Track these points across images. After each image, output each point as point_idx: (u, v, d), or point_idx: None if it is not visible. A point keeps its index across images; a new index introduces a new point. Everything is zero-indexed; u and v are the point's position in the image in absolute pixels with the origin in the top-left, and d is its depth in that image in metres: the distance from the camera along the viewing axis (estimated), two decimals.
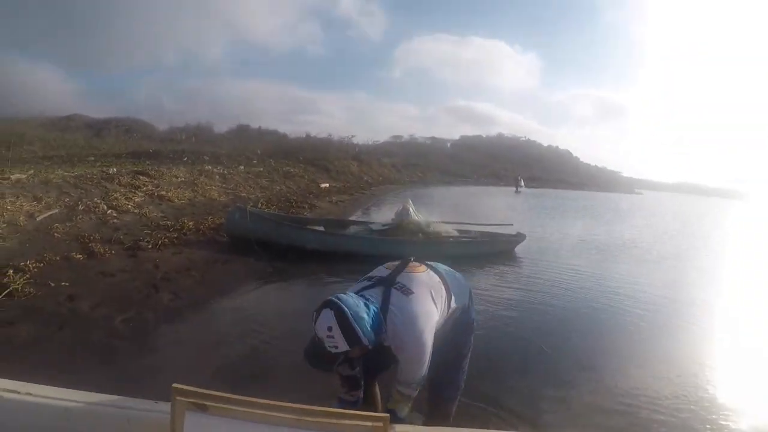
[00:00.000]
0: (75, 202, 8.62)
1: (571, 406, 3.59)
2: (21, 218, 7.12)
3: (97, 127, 47.01)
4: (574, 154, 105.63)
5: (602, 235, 14.97)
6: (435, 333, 2.31)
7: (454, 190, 35.84)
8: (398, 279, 2.34)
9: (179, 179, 13.61)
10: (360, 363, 2.44)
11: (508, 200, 30.18)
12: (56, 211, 7.91)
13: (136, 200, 9.97)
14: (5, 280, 4.88)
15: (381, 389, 2.76)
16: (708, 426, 3.39)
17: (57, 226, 7.15)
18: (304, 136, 51.04)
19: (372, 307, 2.14)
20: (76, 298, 4.88)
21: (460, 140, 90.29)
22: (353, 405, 2.49)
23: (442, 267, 2.62)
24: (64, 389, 1.52)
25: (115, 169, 12.85)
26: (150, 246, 7.11)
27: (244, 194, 15.15)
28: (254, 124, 60.08)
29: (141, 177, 12.04)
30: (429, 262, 2.58)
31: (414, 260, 2.51)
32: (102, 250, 6.46)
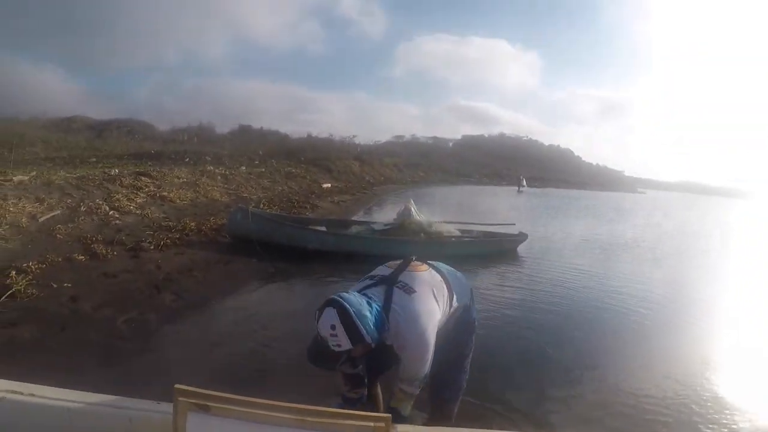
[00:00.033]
0: (77, 203, 8.63)
1: (575, 405, 3.59)
2: (23, 220, 7.14)
3: (99, 129, 47.15)
4: (576, 154, 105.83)
5: (605, 235, 14.94)
6: (437, 332, 2.31)
7: (456, 190, 35.82)
8: (400, 278, 2.34)
9: (181, 180, 13.64)
10: (363, 361, 2.42)
11: (510, 200, 30.15)
12: (58, 212, 7.93)
13: (138, 201, 9.98)
14: (8, 281, 4.89)
15: (382, 390, 2.76)
16: (711, 425, 3.38)
17: (59, 228, 7.16)
18: (305, 136, 51.33)
19: (374, 305, 2.14)
20: (78, 299, 4.88)
21: (462, 140, 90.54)
22: (357, 402, 2.48)
23: (443, 266, 2.61)
24: (67, 390, 1.53)
25: (117, 170, 12.89)
26: (152, 247, 7.12)
27: (245, 195, 15.17)
28: (256, 125, 60.31)
29: (143, 178, 12.07)
30: (431, 262, 2.58)
31: (416, 259, 2.51)
32: (104, 251, 6.47)
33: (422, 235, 9.38)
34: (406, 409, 2.36)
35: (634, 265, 9.93)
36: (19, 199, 7.87)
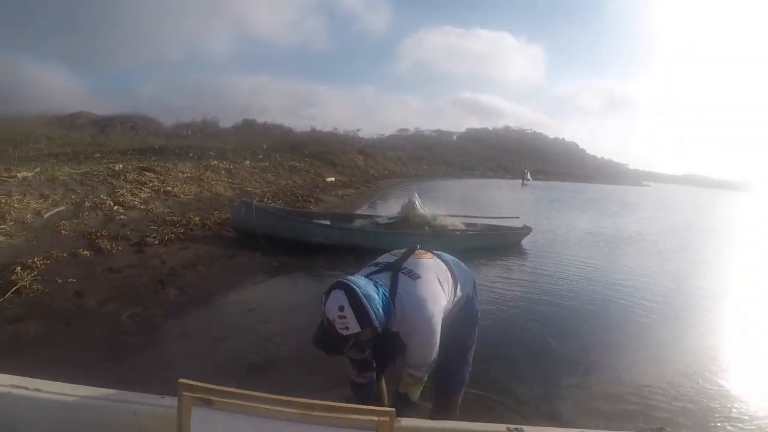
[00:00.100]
0: (81, 199, 8.65)
1: (580, 396, 3.59)
2: (28, 216, 7.16)
3: (103, 124, 47.08)
4: (581, 146, 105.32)
5: (609, 228, 14.87)
6: (442, 318, 2.29)
7: (460, 183, 35.71)
8: (405, 264, 2.32)
9: (185, 175, 13.65)
10: (369, 346, 2.40)
11: (514, 193, 30.08)
12: (63, 208, 7.95)
13: (142, 196, 10.00)
14: (13, 277, 4.91)
15: (387, 384, 2.76)
16: (717, 417, 3.38)
17: (64, 223, 7.18)
18: (309, 130, 51.10)
19: (381, 289, 2.13)
20: (83, 294, 4.90)
21: (466, 133, 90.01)
22: (366, 387, 2.48)
23: (447, 256, 2.59)
24: (72, 385, 1.53)
25: (121, 166, 12.90)
26: (156, 241, 7.13)
27: (249, 189, 15.16)
28: (260, 119, 60.03)
29: (147, 173, 12.08)
30: (435, 251, 2.56)
31: (420, 248, 2.49)
32: (109, 246, 6.49)
33: (427, 228, 9.36)
34: (415, 394, 2.36)
35: (639, 259, 9.90)
36: (24, 195, 7.89)
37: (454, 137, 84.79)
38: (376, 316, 2.01)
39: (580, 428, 1.58)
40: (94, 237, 6.81)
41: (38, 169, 10.53)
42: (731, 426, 3.29)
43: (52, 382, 1.52)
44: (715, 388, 3.82)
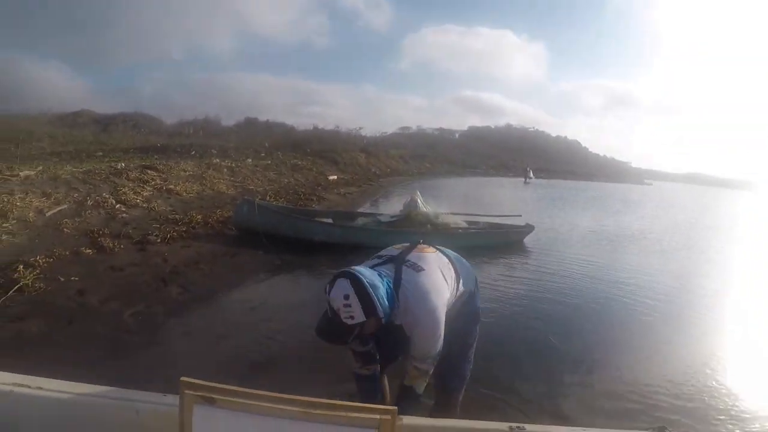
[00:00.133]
0: (84, 197, 8.66)
1: (583, 395, 3.58)
2: (30, 214, 7.17)
3: (105, 123, 47.16)
4: (583, 145, 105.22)
5: (611, 226, 14.84)
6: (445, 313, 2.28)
7: (462, 182, 35.68)
8: (408, 257, 2.31)
9: (187, 173, 13.66)
10: (372, 340, 2.39)
11: (517, 191, 30.03)
12: (65, 206, 7.96)
13: (144, 194, 10.01)
14: (15, 275, 4.92)
15: (389, 381, 2.75)
16: (719, 415, 3.37)
17: (66, 222, 7.19)
18: (311, 128, 51.19)
19: (386, 279, 2.12)
20: (85, 292, 4.91)
21: (469, 131, 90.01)
22: (370, 379, 2.46)
23: (450, 251, 2.59)
24: (74, 383, 1.53)
25: (123, 164, 12.92)
26: (159, 240, 7.14)
27: (252, 187, 15.18)
28: (262, 117, 60.10)
29: (149, 171, 12.09)
30: (438, 246, 2.55)
31: (423, 243, 2.49)
32: (111, 245, 6.50)
33: (429, 226, 9.37)
34: (421, 387, 2.34)
35: (642, 257, 9.88)
36: (26, 193, 7.90)
37: (456, 135, 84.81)
38: (381, 306, 2.00)
39: (582, 426, 1.57)
40: (96, 235, 6.81)
41: (40, 167, 10.54)
42: (733, 425, 3.27)
43: (54, 380, 1.52)
44: (717, 386, 3.80)
